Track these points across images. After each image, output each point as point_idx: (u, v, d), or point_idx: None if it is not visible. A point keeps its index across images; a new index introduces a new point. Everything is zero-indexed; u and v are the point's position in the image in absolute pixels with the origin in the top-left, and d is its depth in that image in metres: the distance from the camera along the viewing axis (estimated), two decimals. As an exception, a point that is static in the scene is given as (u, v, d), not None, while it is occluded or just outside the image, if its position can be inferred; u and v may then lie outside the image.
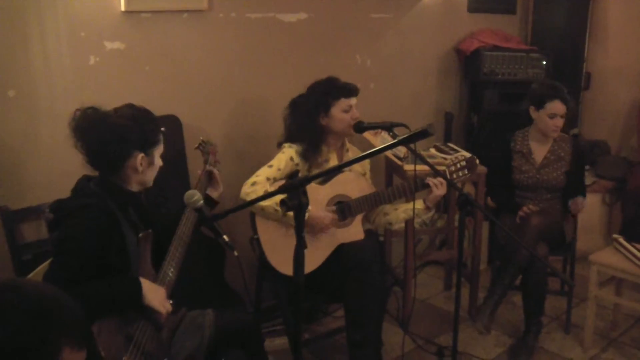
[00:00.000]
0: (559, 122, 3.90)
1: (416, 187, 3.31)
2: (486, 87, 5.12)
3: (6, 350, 1.32)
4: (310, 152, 3.39)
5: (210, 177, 2.97)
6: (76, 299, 1.46)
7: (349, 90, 3.40)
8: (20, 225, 3.29)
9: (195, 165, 3.64)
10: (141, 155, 2.43)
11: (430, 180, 3.30)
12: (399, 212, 3.53)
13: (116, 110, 2.46)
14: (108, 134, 2.37)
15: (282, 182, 3.30)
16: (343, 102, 3.37)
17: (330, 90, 3.40)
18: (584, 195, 4.00)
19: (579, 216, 4.03)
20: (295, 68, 4.20)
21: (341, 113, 3.38)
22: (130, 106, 2.50)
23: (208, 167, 2.98)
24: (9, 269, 3.19)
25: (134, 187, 2.50)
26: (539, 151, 4.03)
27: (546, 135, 3.97)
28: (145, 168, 2.47)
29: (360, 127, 3.40)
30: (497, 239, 4.17)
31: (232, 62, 3.96)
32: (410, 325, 3.95)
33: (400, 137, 2.10)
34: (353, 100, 3.41)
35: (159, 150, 2.52)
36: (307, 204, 2.11)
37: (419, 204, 3.38)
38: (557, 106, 3.87)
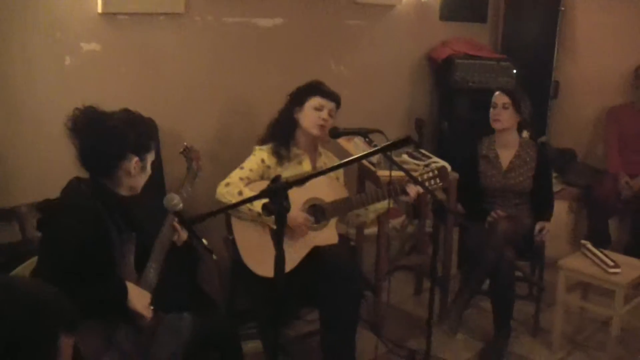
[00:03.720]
0: (500, 112, 3.98)
1: (395, 192, 3.36)
2: (457, 95, 5.19)
3: (7, 345, 1.35)
4: (280, 148, 3.43)
5: None
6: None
7: (327, 93, 3.46)
8: (-6, 227, 3.27)
9: (171, 169, 3.65)
10: (136, 159, 2.45)
11: (412, 188, 3.35)
12: (369, 213, 3.62)
13: (113, 113, 2.47)
14: (106, 133, 2.39)
15: (256, 182, 3.33)
16: (317, 100, 3.42)
17: (311, 86, 3.48)
18: (552, 206, 4.10)
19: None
20: (270, 72, 4.22)
21: (312, 110, 3.42)
22: (127, 111, 2.52)
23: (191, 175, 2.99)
24: (-18, 271, 3.16)
25: (124, 191, 2.51)
26: (505, 156, 4.09)
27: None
28: (138, 172, 2.49)
29: (335, 133, 3.43)
30: (467, 244, 4.23)
31: (208, 65, 3.97)
32: (381, 329, 3.99)
33: (383, 145, 2.14)
34: (328, 104, 3.45)
35: (151, 157, 2.55)
36: (288, 209, 2.14)
37: (387, 204, 3.48)
38: (496, 96, 4.02)
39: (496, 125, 4.03)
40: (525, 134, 4.23)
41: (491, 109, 4.02)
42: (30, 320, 1.39)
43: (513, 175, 4.05)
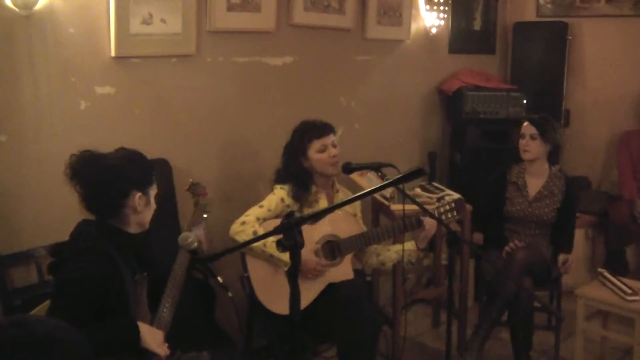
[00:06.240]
0: (528, 142, 4.00)
1: (411, 225, 3.34)
2: (468, 126, 5.20)
3: None
4: (300, 193, 3.44)
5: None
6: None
7: (320, 130, 3.47)
8: (10, 271, 3.28)
9: (185, 208, 3.66)
10: (139, 194, 2.47)
11: (427, 220, 3.30)
12: (391, 253, 3.55)
13: (110, 152, 2.51)
14: (107, 173, 2.41)
15: (272, 221, 3.34)
16: (316, 143, 3.43)
17: (303, 134, 3.47)
18: (572, 238, 4.10)
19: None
20: (282, 110, 4.25)
21: (317, 154, 3.43)
22: (123, 148, 2.55)
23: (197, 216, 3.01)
24: (-2, 315, 3.18)
25: (133, 229, 2.53)
26: (534, 185, 4.09)
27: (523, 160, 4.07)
28: (143, 208, 2.50)
29: (348, 168, 3.44)
30: (483, 275, 4.21)
31: (220, 105, 4.00)
32: (400, 363, 3.96)
33: (395, 177, 2.14)
34: (327, 139, 3.46)
35: (153, 190, 2.56)
36: (302, 244, 2.14)
37: (411, 245, 3.40)
38: (524, 126, 4.03)
39: (525, 156, 4.04)
40: (557, 166, 4.23)
41: (520, 140, 4.04)
42: (45, 357, 1.40)
43: (539, 205, 4.04)
